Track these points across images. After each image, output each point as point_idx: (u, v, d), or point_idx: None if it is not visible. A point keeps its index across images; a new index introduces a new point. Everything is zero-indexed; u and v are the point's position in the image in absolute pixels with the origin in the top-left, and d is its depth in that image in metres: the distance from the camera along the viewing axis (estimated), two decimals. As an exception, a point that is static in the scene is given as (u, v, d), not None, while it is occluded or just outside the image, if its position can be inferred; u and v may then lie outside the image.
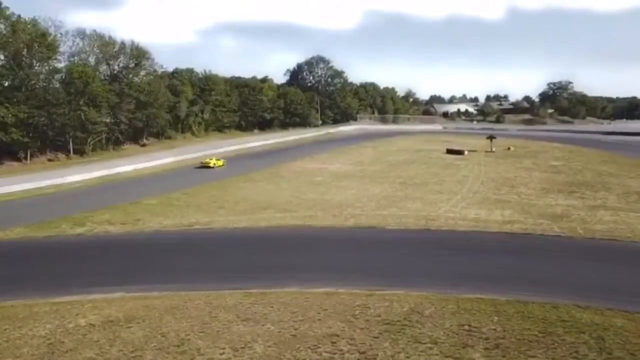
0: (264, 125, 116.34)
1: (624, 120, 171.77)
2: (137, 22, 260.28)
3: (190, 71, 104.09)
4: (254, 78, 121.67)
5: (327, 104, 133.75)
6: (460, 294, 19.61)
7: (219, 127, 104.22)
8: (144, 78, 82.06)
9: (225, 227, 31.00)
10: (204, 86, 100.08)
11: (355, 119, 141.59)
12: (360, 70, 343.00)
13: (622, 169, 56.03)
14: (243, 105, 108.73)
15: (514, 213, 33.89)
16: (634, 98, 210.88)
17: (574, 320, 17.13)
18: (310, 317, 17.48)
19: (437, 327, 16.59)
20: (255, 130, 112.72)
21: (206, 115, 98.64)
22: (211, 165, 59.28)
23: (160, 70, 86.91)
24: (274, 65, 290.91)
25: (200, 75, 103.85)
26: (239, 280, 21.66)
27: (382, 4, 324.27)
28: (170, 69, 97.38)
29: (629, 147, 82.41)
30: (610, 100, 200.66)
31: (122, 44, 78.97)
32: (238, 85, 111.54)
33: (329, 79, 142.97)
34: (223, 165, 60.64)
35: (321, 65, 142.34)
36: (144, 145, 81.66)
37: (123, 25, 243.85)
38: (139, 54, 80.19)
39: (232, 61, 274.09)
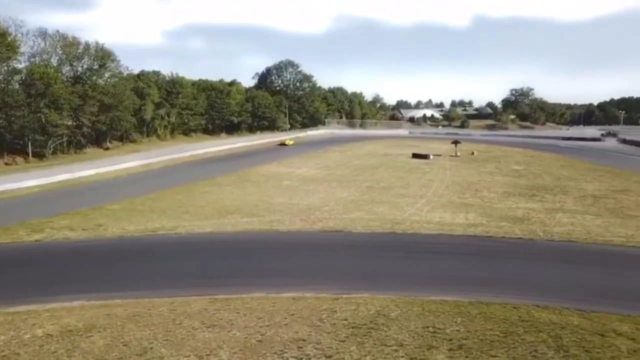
0: (232, 129, 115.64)
1: (581, 126, 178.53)
2: (103, 23, 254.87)
3: (156, 73, 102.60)
4: (221, 81, 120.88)
5: (295, 108, 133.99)
6: (426, 296, 19.88)
7: (185, 130, 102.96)
8: (109, 80, 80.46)
9: (190, 232, 30.54)
10: (171, 89, 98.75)
11: (323, 124, 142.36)
12: (328, 74, 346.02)
13: (579, 173, 58.18)
14: (210, 108, 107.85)
15: (478, 216, 34.66)
16: (590, 105, 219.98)
17: (533, 320, 17.63)
18: (277, 322, 17.40)
19: (402, 330, 16.78)
20: (223, 134, 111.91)
21: (172, 119, 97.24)
22: (286, 143, 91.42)
23: (125, 72, 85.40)
24: (243, 68, 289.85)
25: (167, 78, 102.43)
26: (205, 286, 21.37)
27: (352, 9, 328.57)
28: (136, 71, 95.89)
29: (585, 152, 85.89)
30: (568, 106, 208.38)
31: (87, 45, 77.29)
32: (205, 88, 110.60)
33: (298, 83, 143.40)
34: (293, 144, 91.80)
35: (290, 70, 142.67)
36: (107, 148, 79.85)
37: (88, 26, 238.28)
38: (103, 56, 78.52)
39: (199, 64, 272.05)
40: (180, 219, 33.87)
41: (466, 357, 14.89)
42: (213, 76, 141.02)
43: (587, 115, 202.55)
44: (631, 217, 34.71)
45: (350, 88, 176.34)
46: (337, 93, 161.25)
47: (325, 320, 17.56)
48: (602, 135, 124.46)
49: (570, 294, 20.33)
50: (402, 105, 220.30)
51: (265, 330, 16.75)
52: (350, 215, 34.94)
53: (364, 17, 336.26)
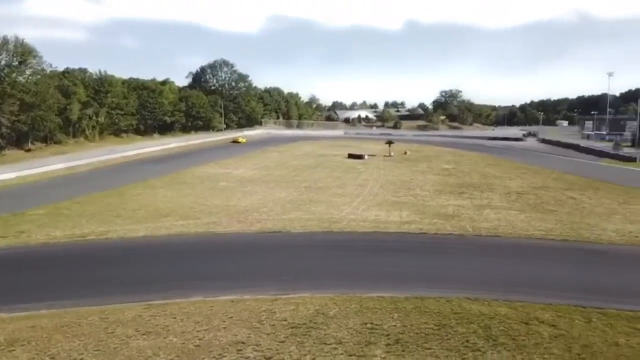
0: (165, 130, 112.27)
1: (505, 126, 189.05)
2: (24, 16, 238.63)
3: (83, 71, 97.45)
4: (154, 80, 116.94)
5: (231, 108, 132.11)
6: (364, 293, 20.30)
7: (115, 131, 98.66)
8: (30, 78, 75.29)
9: (123, 237, 29.33)
10: (99, 88, 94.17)
11: (260, 124, 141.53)
12: (265, 75, 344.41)
13: (504, 171, 61.65)
14: (142, 108, 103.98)
15: (411, 214, 35.79)
16: (513, 107, 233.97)
17: (465, 312, 18.49)
18: (215, 326, 17.12)
19: (341, 328, 17.04)
20: (156, 135, 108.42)
21: (101, 119, 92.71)
22: (239, 141, 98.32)
23: (49, 70, 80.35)
24: (176, 67, 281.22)
25: (95, 76, 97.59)
26: (139, 292, 20.62)
27: (287, 9, 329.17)
28: (61, 69, 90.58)
29: (509, 151, 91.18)
30: (493, 108, 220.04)
31: (5, 39, 71.87)
32: (137, 87, 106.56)
33: (234, 83, 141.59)
34: (246, 142, 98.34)
35: (225, 69, 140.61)
36: (29, 150, 74.89)
37: (8, 20, 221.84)
38: (24, 52, 73.39)
39: (130, 62, 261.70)
40: (111, 223, 32.44)
41: (403, 351, 15.36)
42: (145, 75, 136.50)
43: (511, 116, 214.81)
44: (550, 212, 37.21)
45: (287, 89, 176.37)
46: (273, 93, 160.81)
47: (264, 322, 17.49)
48: (524, 135, 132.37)
49: (498, 286, 21.51)
50: (337, 106, 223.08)
51: (203, 335, 16.43)
52: (289, 215, 34.97)
53: (300, 18, 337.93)
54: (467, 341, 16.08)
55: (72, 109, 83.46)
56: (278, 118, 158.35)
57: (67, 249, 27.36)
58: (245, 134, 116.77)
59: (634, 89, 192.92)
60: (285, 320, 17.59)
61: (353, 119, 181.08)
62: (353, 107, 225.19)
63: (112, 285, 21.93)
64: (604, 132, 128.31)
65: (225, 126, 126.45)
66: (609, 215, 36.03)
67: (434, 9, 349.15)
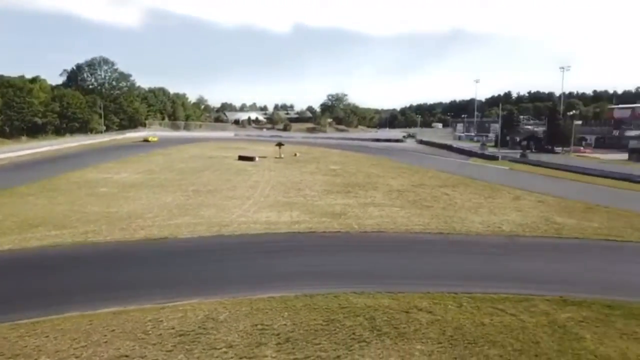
0: (35, 132, 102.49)
1: (387, 128, 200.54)
2: None
3: None
4: (21, 77, 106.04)
5: (111, 108, 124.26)
6: (254, 295, 20.30)
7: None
8: None
9: (-17, 252, 26.16)
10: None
11: (144, 125, 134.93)
12: (149, 74, 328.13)
13: (386, 170, 65.33)
14: (7, 108, 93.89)
15: (301, 214, 36.48)
16: (394, 110, 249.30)
17: (351, 306, 19.30)
18: (95, 341, 16.03)
19: (231, 331, 16.92)
20: (23, 137, 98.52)
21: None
22: (149, 140, 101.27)
23: None
24: (48, 64, 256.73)
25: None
26: (4, 312, 18.51)
27: (170, 5, 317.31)
28: None
29: (391, 152, 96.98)
30: (376, 111, 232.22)
31: None
32: (0, 85, 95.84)
33: (114, 82, 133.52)
34: (157, 141, 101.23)
35: (105, 67, 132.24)
36: None
37: None
38: None
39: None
40: (-32, 237, 28.78)
41: (293, 348, 15.68)
42: (10, 71, 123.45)
43: (392, 119, 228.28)
44: (427, 207, 40.18)
45: (172, 89, 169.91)
46: (158, 93, 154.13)
47: (150, 332, 16.77)
48: (404, 137, 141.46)
49: (381, 278, 22.75)
50: (227, 107, 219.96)
51: (80, 352, 15.32)
52: (175, 220, 33.76)
53: (185, 15, 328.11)
54: (354, 333, 16.85)
55: None
56: (163, 119, 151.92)
57: None
58: (127, 136, 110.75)
59: (496, 94, 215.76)
60: (173, 329, 17.03)
61: (243, 121, 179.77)
62: (243, 108, 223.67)
63: (-30, 306, 19.49)
64: (472, 134, 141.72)
65: (104, 128, 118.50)
66: (476, 209, 39.84)
67: (321, 13, 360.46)
